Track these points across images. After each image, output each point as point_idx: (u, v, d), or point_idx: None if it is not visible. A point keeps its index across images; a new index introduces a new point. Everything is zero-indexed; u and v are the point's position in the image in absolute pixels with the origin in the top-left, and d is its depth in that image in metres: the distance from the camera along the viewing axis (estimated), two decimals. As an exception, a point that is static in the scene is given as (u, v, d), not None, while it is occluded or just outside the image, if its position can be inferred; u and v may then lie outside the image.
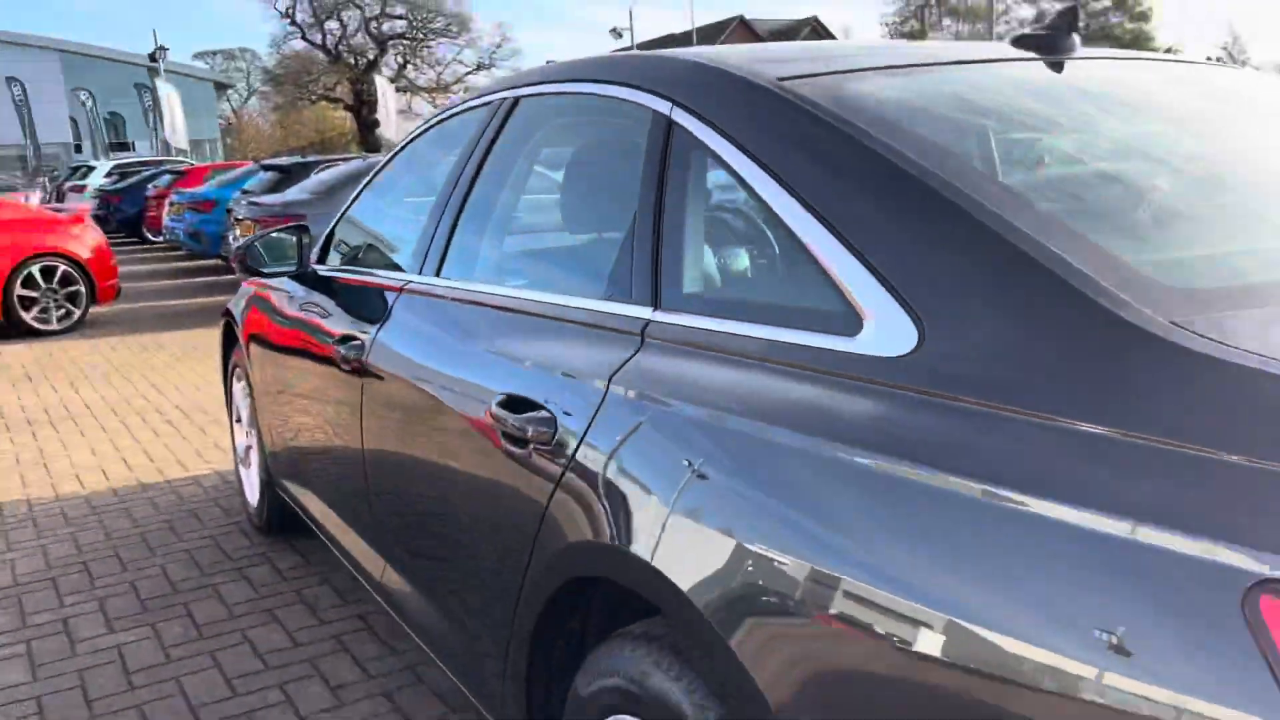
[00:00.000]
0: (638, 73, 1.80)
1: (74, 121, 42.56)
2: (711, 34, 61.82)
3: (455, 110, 2.58)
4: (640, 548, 1.32)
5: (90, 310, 9.31)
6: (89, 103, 39.15)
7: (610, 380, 1.50)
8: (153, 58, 31.12)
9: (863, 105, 1.45)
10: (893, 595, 1.00)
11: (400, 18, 57.79)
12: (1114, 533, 0.87)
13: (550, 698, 1.71)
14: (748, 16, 61.54)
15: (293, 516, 3.37)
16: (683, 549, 1.26)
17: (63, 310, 9.10)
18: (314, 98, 59.09)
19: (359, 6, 56.61)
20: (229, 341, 3.89)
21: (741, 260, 1.66)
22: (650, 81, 1.73)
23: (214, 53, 67.06)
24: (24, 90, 35.04)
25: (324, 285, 2.88)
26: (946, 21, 53.02)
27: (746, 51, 1.78)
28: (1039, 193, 1.47)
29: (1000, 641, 0.91)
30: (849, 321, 1.23)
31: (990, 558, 0.95)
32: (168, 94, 29.52)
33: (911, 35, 49.53)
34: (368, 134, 46.21)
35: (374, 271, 2.64)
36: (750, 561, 1.16)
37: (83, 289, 9.17)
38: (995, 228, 1.16)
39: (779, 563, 1.12)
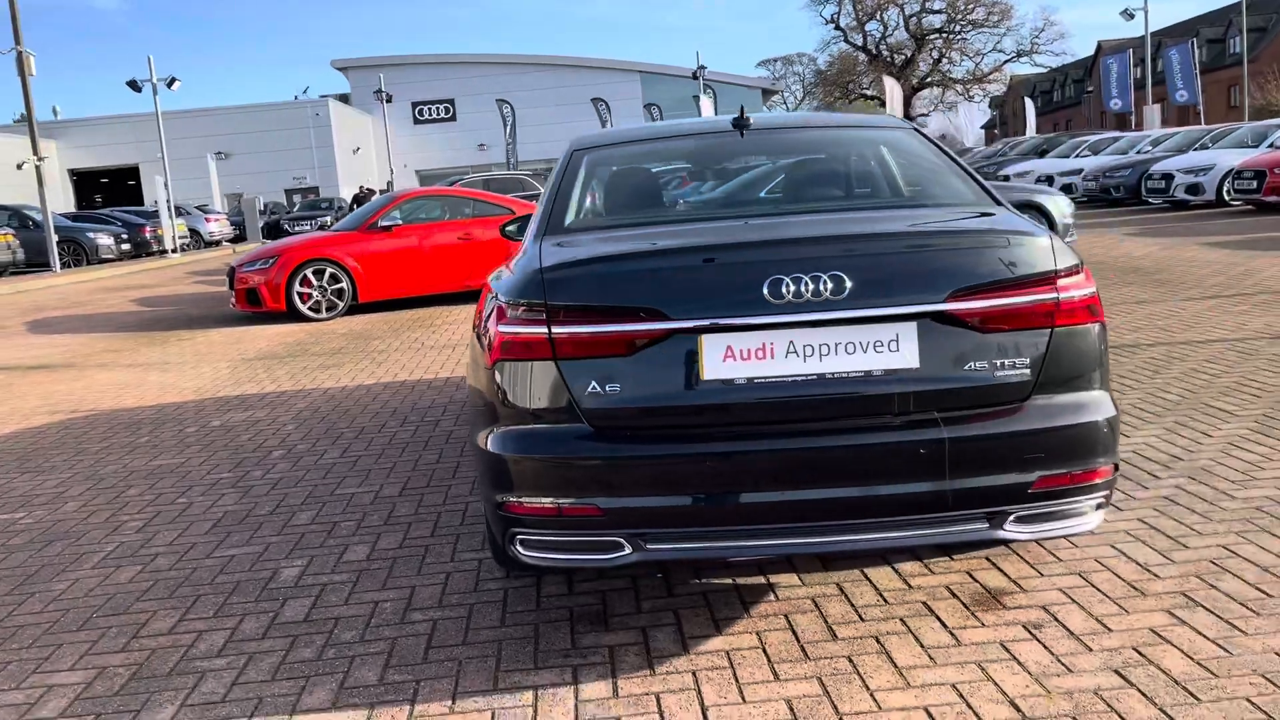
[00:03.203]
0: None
1: (647, 132, 49.82)
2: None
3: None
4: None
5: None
6: (657, 115, 45.92)
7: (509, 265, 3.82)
8: (694, 75, 36.19)
9: (585, 160, 3.57)
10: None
11: (938, 12, 59.07)
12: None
13: None
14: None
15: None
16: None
17: (543, 279, 12.76)
18: (852, 96, 62.60)
19: (899, 5, 58.93)
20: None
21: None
22: (574, 142, 3.96)
23: (774, 59, 73.87)
24: (607, 108, 42.11)
25: None
26: None
27: (600, 132, 3.98)
28: (603, 191, 3.52)
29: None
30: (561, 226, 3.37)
31: None
32: (704, 104, 34.40)
33: None
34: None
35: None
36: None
37: (556, 263, 12.77)
38: (557, 201, 3.28)
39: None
